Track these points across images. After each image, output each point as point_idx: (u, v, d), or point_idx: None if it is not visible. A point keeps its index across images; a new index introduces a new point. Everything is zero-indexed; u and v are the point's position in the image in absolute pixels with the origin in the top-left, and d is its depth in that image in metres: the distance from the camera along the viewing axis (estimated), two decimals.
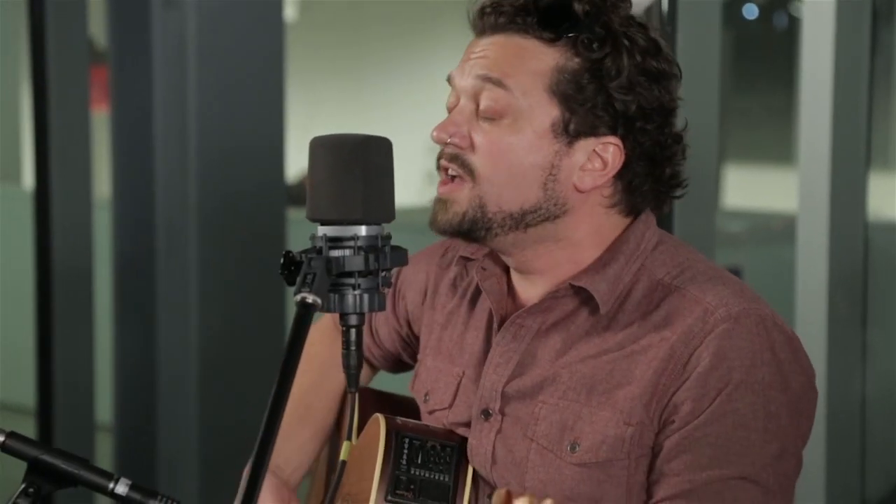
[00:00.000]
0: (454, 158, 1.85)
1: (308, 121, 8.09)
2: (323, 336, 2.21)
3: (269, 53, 4.19)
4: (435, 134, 1.86)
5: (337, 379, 2.17)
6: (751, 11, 11.14)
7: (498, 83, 1.83)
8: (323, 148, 1.67)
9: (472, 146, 1.84)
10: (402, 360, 2.21)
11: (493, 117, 1.83)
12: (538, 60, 1.83)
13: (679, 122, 1.89)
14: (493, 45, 1.85)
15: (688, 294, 1.82)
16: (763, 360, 1.78)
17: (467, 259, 2.02)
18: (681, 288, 1.83)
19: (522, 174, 1.83)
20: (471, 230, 1.85)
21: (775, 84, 11.23)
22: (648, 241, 1.89)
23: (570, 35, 1.82)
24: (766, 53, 11.29)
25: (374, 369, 2.25)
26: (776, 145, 10.73)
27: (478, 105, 1.84)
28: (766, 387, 1.77)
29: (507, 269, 1.96)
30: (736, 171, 10.12)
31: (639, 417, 1.79)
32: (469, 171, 1.84)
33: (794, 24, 11.15)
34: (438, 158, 1.88)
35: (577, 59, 1.82)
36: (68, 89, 4.18)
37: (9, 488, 1.81)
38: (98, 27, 4.58)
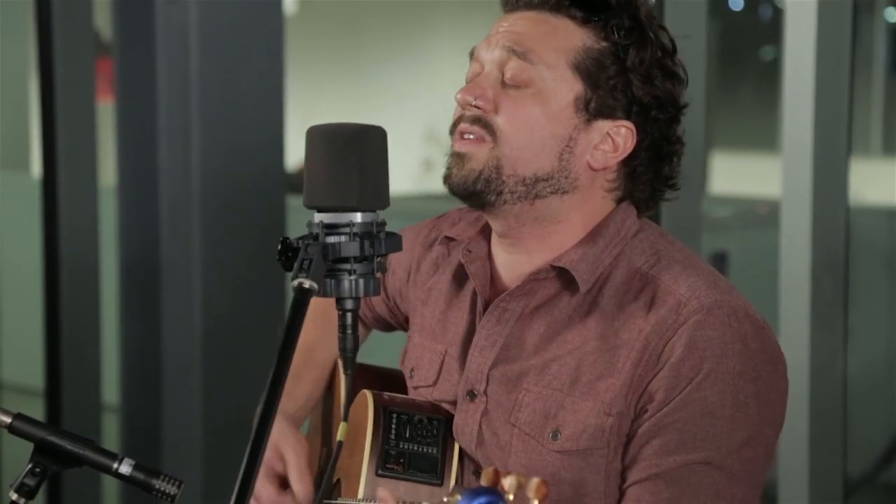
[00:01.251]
0: (476, 121, 1.84)
1: (307, 111, 8.09)
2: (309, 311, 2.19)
3: (269, 45, 4.19)
4: (459, 96, 1.85)
5: (329, 348, 2.15)
6: (736, 3, 11.15)
7: (523, 56, 1.83)
8: (320, 137, 1.66)
9: (496, 109, 1.83)
10: (390, 323, 2.21)
11: (518, 85, 1.83)
12: (566, 39, 1.84)
13: (679, 129, 1.90)
14: (523, 21, 1.86)
15: (662, 284, 1.82)
16: (733, 351, 1.77)
17: (451, 239, 2.02)
18: (657, 278, 1.83)
19: (542, 141, 1.83)
20: (483, 191, 1.83)
21: (760, 74, 11.24)
22: (629, 228, 1.88)
23: (599, 19, 1.84)
24: (751, 44, 11.30)
25: (368, 328, 2.25)
26: (760, 133, 10.74)
27: (503, 74, 1.84)
28: (736, 376, 1.76)
29: (489, 252, 1.96)
30: (722, 158, 10.13)
31: (619, 408, 1.79)
32: (491, 131, 1.83)
33: (778, 16, 11.14)
34: (456, 123, 1.86)
35: (604, 43, 1.83)
36: (75, 80, 4.17)
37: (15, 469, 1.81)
38: (103, 20, 4.57)
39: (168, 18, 4.08)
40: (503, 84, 1.84)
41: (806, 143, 3.03)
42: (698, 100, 3.09)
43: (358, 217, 1.64)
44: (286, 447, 2.02)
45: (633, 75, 1.83)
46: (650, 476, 1.76)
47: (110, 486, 4.29)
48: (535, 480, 1.22)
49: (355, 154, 1.64)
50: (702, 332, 1.76)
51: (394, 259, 2.11)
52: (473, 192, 1.84)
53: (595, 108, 1.83)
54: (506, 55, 1.84)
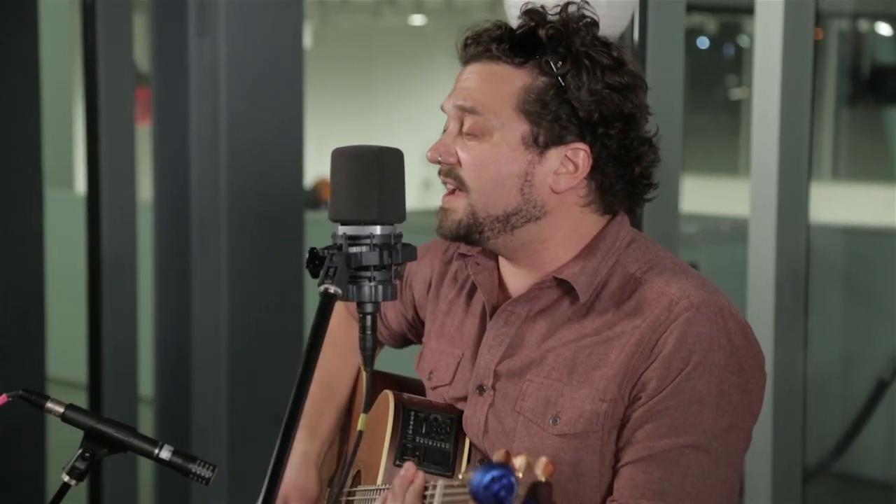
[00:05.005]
0: (448, 173, 1.85)
1: (321, 133, 8.08)
2: (340, 321, 2.19)
3: (290, 75, 4.19)
4: (429, 155, 1.86)
5: (353, 362, 2.16)
6: (703, 42, 11.16)
7: (471, 111, 1.83)
8: (344, 157, 1.66)
9: (459, 162, 1.84)
10: (407, 338, 2.20)
11: (474, 134, 1.82)
12: (508, 83, 1.82)
13: (651, 129, 1.87)
14: (472, 75, 1.85)
15: (655, 286, 1.81)
16: (719, 345, 1.76)
17: (464, 255, 2.02)
18: (649, 281, 1.82)
19: (502, 182, 1.82)
20: (468, 234, 1.85)
21: (724, 105, 11.25)
22: (623, 239, 1.87)
23: (537, 57, 1.81)
24: (716, 78, 11.31)
25: (381, 346, 2.24)
26: (725, 158, 10.74)
27: (462, 126, 1.84)
28: (721, 368, 1.76)
29: (497, 265, 1.95)
30: (690, 180, 10.12)
31: (612, 395, 1.78)
32: (461, 182, 1.84)
33: (739, 54, 11.15)
34: (439, 173, 1.88)
35: (542, 78, 1.81)
36: (116, 107, 4.17)
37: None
38: (142, 53, 4.57)
39: (200, 52, 4.08)
40: (463, 134, 1.84)
41: (771, 168, 3.03)
42: (675, 129, 3.08)
43: (378, 230, 1.65)
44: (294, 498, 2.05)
45: (574, 100, 1.80)
46: (643, 457, 1.75)
47: (145, 470, 4.28)
48: (542, 460, 1.21)
49: (375, 173, 1.64)
50: (691, 328, 1.76)
51: (411, 275, 2.11)
52: (460, 236, 1.86)
53: (544, 140, 1.81)
54: (460, 112, 1.84)
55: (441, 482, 1.57)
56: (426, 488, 1.70)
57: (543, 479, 1.20)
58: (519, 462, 1.21)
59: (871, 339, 5.37)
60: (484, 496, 1.18)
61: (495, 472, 1.18)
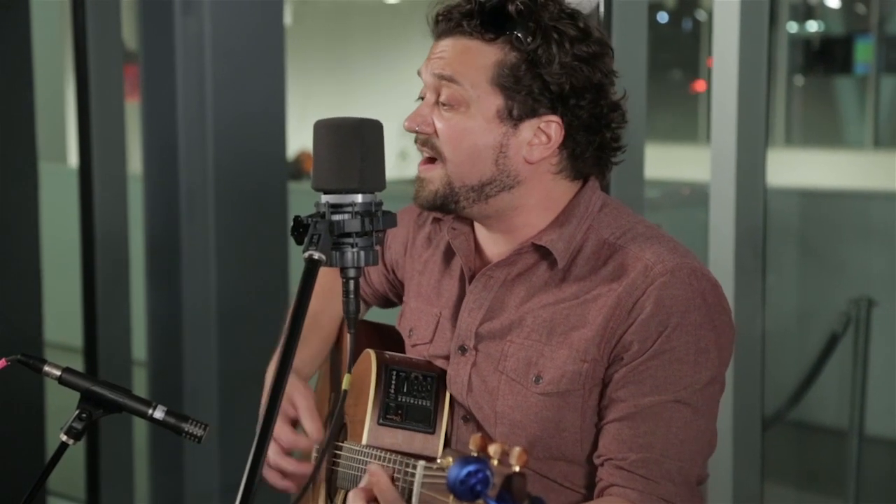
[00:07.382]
0: (425, 143, 1.83)
1: (302, 109, 8.04)
2: (327, 271, 2.18)
3: (272, 52, 4.16)
4: (406, 124, 1.84)
5: (339, 304, 2.15)
6: (662, 17, 11.15)
7: (450, 80, 1.80)
8: (326, 128, 1.64)
9: (436, 132, 1.82)
10: (390, 298, 2.19)
11: (450, 104, 1.80)
12: (482, 57, 1.79)
13: (618, 91, 1.84)
14: (448, 47, 1.82)
15: (631, 252, 1.80)
16: (695, 305, 1.76)
17: (439, 220, 2.00)
18: (624, 247, 1.81)
19: (477, 153, 1.80)
20: (444, 205, 1.84)
21: (682, 76, 11.25)
22: (595, 204, 1.86)
23: (507, 33, 1.79)
24: (675, 51, 11.31)
25: (368, 305, 2.24)
26: (683, 127, 10.75)
27: (438, 96, 1.81)
28: (698, 327, 1.76)
29: (472, 230, 1.94)
30: (651, 147, 10.13)
31: (592, 355, 1.78)
32: (437, 152, 1.82)
33: (697, 28, 11.15)
34: (416, 141, 1.86)
35: (514, 53, 1.78)
36: (106, 83, 4.13)
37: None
38: (129, 32, 4.53)
39: (185, 30, 4.04)
40: (439, 106, 1.81)
41: (731, 134, 3.02)
42: (640, 101, 3.07)
43: (359, 198, 1.63)
44: (296, 394, 2.00)
45: (546, 74, 1.77)
46: (628, 415, 1.76)
47: (140, 430, 4.26)
48: (517, 449, 1.18)
49: (356, 144, 1.62)
50: (667, 292, 1.75)
51: (389, 237, 2.09)
52: (436, 206, 1.84)
53: (518, 114, 1.79)
54: (438, 81, 1.81)
55: (421, 464, 1.55)
56: (406, 465, 1.69)
57: (518, 469, 1.18)
58: (493, 450, 1.19)
59: (824, 295, 5.41)
60: (461, 490, 1.15)
61: (471, 467, 1.16)
